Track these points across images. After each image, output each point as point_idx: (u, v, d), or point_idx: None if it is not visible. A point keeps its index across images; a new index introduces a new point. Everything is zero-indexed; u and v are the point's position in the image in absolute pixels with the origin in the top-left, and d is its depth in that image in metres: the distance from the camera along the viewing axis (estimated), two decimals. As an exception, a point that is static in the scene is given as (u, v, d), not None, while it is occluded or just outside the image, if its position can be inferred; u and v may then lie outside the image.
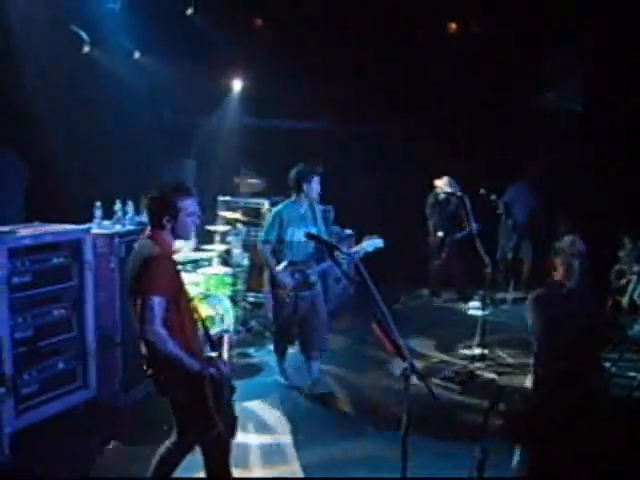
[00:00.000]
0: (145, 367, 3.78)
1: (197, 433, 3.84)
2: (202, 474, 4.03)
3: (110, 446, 5.10)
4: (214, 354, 3.86)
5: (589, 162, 9.75)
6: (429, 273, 9.99)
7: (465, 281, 9.79)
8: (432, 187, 9.52)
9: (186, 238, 4.01)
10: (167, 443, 4.00)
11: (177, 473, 4.04)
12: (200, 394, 3.70)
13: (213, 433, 3.73)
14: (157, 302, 3.58)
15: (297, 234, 6.04)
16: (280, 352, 6.52)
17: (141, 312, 3.58)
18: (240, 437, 3.97)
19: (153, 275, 3.63)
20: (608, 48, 9.49)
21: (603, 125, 9.67)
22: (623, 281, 7.90)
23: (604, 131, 9.64)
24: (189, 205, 3.81)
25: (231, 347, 4.18)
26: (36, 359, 5.29)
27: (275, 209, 6.29)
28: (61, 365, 5.51)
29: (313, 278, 6.16)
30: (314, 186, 6.19)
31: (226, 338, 4.14)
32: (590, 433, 1.67)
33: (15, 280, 5.07)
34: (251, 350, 7.47)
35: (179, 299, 3.77)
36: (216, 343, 3.99)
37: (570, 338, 4.99)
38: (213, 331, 4.35)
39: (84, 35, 8.54)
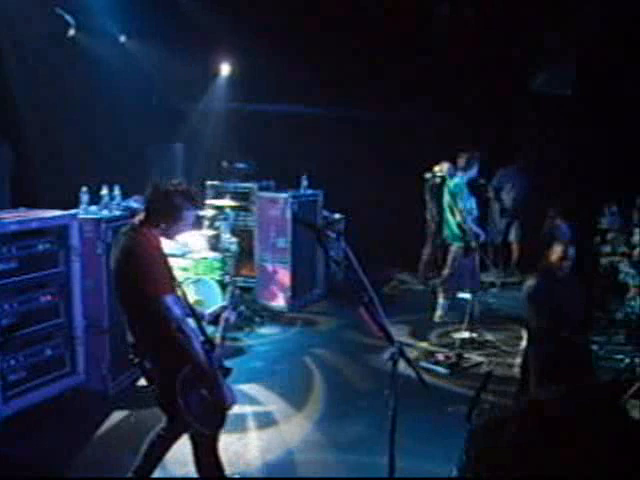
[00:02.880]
0: (132, 356, 3.77)
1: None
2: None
3: (99, 431, 5.10)
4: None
5: (578, 145, 9.75)
6: (421, 258, 9.94)
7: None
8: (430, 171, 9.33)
9: (170, 240, 3.99)
10: (158, 428, 3.99)
11: (173, 469, 4.03)
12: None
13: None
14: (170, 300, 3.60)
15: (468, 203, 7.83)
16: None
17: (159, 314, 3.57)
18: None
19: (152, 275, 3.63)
20: (597, 31, 9.46)
21: (592, 108, 9.67)
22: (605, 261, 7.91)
23: (593, 114, 9.64)
24: (190, 216, 3.83)
25: (228, 323, 4.19)
26: (23, 346, 5.26)
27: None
28: (49, 351, 5.50)
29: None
30: None
31: (224, 315, 4.13)
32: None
33: (1, 266, 5.04)
34: (240, 335, 7.47)
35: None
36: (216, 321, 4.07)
37: (571, 321, 5.06)
38: (212, 309, 4.36)
39: (69, 18, 8.44)
